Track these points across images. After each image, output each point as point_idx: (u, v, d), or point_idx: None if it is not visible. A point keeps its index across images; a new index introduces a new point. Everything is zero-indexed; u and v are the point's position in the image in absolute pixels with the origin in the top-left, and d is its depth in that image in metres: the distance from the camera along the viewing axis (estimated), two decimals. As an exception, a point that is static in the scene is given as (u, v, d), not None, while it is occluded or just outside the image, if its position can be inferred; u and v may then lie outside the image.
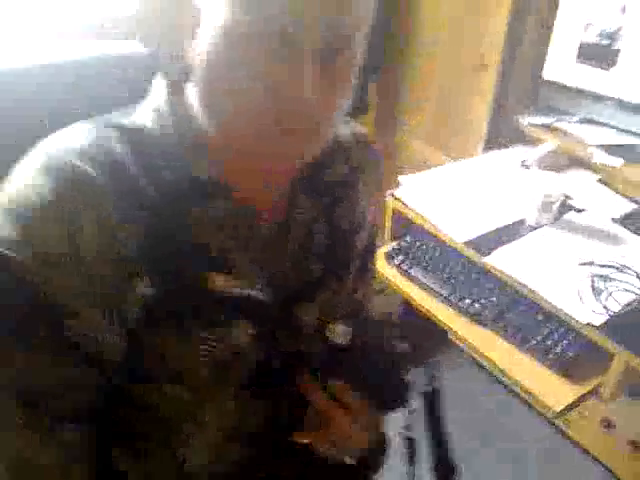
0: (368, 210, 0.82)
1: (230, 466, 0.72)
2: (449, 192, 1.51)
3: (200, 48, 0.58)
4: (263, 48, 0.53)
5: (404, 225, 1.52)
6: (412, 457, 0.76)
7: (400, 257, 1.41)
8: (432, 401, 0.73)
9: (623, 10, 1.43)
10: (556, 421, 1.34)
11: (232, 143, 0.60)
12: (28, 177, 0.57)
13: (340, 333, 0.66)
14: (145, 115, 0.64)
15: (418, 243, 1.43)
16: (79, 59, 0.88)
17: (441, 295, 1.30)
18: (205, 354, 0.63)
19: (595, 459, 1.48)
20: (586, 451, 1.53)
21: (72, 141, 0.60)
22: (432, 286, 1.32)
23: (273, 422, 0.73)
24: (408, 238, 1.43)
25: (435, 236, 1.41)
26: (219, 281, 0.63)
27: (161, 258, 0.60)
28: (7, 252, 0.54)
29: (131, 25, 1.81)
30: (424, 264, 1.38)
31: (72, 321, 0.56)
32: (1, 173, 0.61)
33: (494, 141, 1.70)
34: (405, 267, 1.38)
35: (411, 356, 0.69)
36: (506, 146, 1.70)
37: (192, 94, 0.63)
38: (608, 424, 1.41)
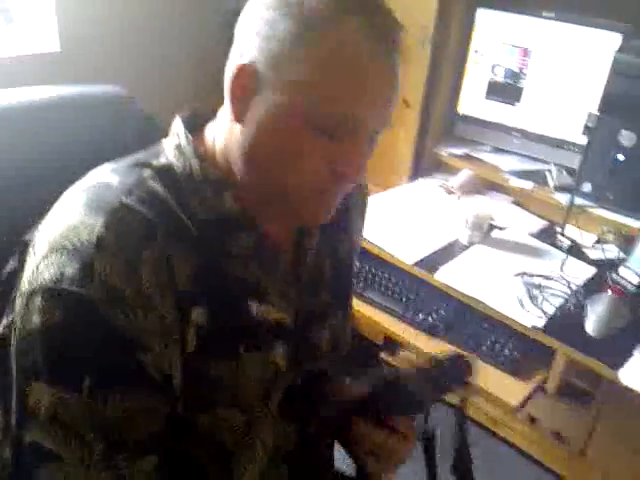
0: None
1: None
2: (387, 218, 1.63)
3: (258, 112, 0.62)
4: (327, 133, 0.60)
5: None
6: (432, 458, 0.83)
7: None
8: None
9: (525, 53, 1.66)
10: (484, 422, 1.46)
11: (268, 193, 0.66)
12: (75, 216, 0.58)
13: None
14: (169, 153, 0.67)
15: (367, 267, 1.53)
16: (55, 100, 0.88)
17: (397, 312, 1.41)
18: (254, 375, 0.68)
19: (522, 452, 1.64)
20: (514, 445, 1.68)
21: (111, 180, 0.62)
22: (387, 305, 1.42)
23: (304, 442, 0.78)
24: (358, 264, 1.53)
25: (382, 259, 1.52)
26: (254, 307, 0.68)
27: (208, 287, 0.64)
28: (76, 289, 0.55)
29: (52, 63, 1.76)
30: (376, 286, 1.48)
31: (142, 352, 0.58)
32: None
33: (418, 171, 1.86)
34: (359, 290, 1.47)
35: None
36: (429, 175, 1.87)
37: (218, 134, 0.68)
38: (532, 420, 1.55)
